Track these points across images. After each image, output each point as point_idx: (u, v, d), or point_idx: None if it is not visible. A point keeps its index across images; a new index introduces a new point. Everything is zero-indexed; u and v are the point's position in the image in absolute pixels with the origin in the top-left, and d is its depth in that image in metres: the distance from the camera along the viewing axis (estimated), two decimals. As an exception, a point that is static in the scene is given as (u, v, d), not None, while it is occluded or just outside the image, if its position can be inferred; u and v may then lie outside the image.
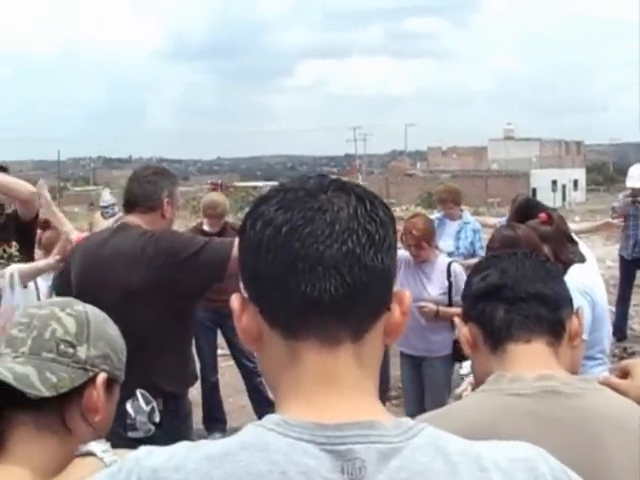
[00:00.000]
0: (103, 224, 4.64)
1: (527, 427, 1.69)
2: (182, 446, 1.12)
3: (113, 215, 4.64)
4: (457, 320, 2.04)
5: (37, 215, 5.44)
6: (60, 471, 1.57)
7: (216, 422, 7.23)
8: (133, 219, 3.85)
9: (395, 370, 6.80)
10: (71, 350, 1.61)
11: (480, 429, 1.56)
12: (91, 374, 1.63)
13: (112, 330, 1.73)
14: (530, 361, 1.85)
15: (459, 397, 3.86)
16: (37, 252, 6.36)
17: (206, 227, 7.21)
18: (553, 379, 1.79)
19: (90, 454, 1.57)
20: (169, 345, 3.59)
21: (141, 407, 3.40)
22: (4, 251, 5.01)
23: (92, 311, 1.70)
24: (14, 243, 5.20)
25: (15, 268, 4.59)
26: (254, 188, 53.33)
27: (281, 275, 1.10)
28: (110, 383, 1.68)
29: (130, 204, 3.92)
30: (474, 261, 7.24)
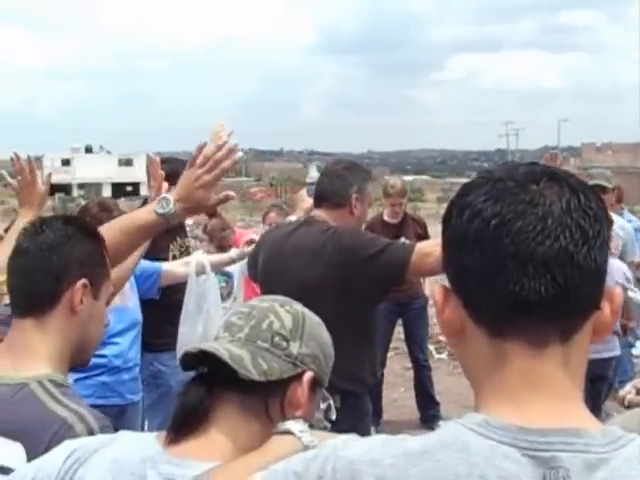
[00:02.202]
0: (307, 202, 4.41)
1: None
2: (379, 440, 1.11)
3: None
4: None
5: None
6: None
7: (372, 415, 7.15)
8: (320, 214, 3.80)
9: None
10: (284, 344, 1.66)
11: None
12: (299, 370, 1.66)
13: (325, 336, 1.76)
14: None
15: (622, 399, 3.80)
16: (202, 236, 6.60)
17: (386, 217, 7.09)
18: None
19: (288, 432, 1.58)
20: (346, 344, 3.37)
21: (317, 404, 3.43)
22: (182, 244, 5.06)
23: (309, 313, 1.75)
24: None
25: (205, 257, 4.69)
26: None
27: (489, 272, 1.05)
28: (315, 384, 1.70)
29: (319, 199, 3.86)
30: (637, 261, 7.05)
